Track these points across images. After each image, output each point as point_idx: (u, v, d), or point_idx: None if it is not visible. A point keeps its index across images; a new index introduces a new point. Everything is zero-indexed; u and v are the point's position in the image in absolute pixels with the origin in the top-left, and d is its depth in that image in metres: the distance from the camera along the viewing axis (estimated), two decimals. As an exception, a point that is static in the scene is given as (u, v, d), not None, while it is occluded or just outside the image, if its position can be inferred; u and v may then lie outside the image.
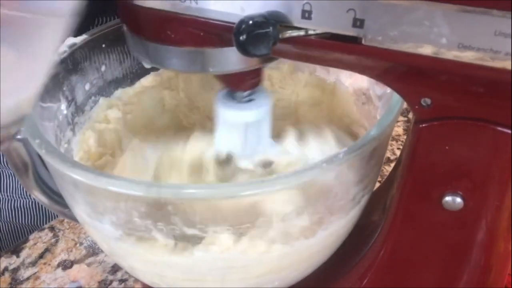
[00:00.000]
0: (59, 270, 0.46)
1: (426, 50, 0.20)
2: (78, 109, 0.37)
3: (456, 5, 0.19)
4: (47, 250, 0.48)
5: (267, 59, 0.27)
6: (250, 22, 0.21)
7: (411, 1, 0.19)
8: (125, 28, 0.28)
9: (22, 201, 0.61)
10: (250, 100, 0.31)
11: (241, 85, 0.30)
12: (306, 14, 0.22)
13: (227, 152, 0.32)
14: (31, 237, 0.50)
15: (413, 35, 0.20)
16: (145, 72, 0.41)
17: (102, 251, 0.47)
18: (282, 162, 0.32)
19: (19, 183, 0.60)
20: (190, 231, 0.27)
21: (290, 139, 0.34)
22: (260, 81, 0.31)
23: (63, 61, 0.34)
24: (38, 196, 0.34)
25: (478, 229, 0.26)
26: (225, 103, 0.31)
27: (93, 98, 0.38)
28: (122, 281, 0.45)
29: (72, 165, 0.26)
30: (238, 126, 0.32)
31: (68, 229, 0.50)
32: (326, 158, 0.25)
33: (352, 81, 0.38)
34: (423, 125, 0.24)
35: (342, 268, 0.35)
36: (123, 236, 0.28)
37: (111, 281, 0.45)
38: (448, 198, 0.26)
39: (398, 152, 0.58)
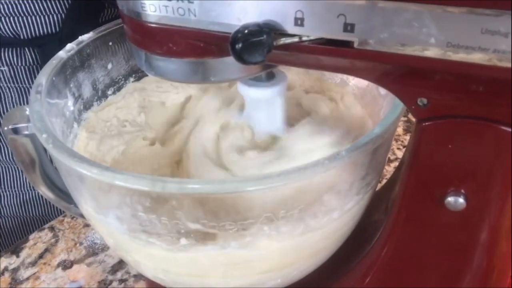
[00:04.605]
0: (59, 270, 0.46)
1: (418, 51, 0.20)
2: (85, 106, 0.37)
3: (442, 5, 0.19)
4: (47, 250, 0.48)
5: (266, 66, 0.27)
6: (245, 31, 0.22)
7: (398, 2, 0.20)
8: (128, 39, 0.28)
9: (31, 193, 0.61)
10: (269, 79, 0.32)
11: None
12: (299, 21, 0.22)
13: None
14: (31, 237, 0.50)
15: (403, 36, 0.20)
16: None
17: (102, 251, 0.47)
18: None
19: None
20: (193, 226, 0.27)
21: (303, 131, 0.34)
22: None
23: (70, 58, 0.35)
24: (45, 192, 0.35)
25: (480, 229, 0.26)
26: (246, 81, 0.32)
27: (100, 94, 0.39)
28: (122, 281, 0.45)
29: (78, 159, 0.26)
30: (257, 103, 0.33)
31: (68, 229, 0.50)
32: (329, 155, 0.25)
33: (357, 81, 0.39)
34: (426, 123, 0.24)
35: (344, 267, 0.35)
36: (128, 231, 0.28)
37: (111, 281, 0.45)
38: (450, 199, 0.25)
39: (397, 152, 0.58)
